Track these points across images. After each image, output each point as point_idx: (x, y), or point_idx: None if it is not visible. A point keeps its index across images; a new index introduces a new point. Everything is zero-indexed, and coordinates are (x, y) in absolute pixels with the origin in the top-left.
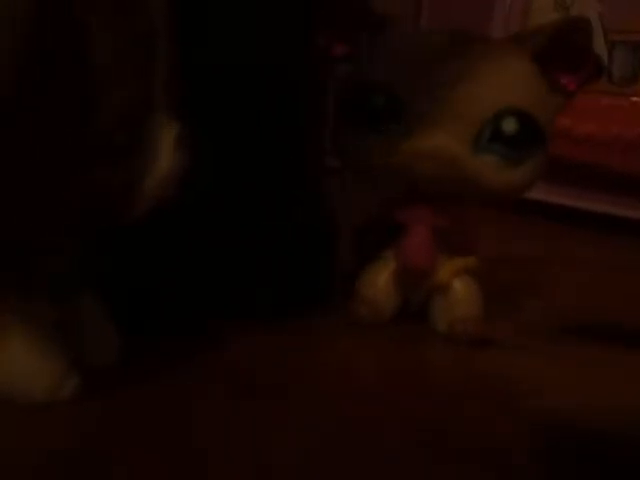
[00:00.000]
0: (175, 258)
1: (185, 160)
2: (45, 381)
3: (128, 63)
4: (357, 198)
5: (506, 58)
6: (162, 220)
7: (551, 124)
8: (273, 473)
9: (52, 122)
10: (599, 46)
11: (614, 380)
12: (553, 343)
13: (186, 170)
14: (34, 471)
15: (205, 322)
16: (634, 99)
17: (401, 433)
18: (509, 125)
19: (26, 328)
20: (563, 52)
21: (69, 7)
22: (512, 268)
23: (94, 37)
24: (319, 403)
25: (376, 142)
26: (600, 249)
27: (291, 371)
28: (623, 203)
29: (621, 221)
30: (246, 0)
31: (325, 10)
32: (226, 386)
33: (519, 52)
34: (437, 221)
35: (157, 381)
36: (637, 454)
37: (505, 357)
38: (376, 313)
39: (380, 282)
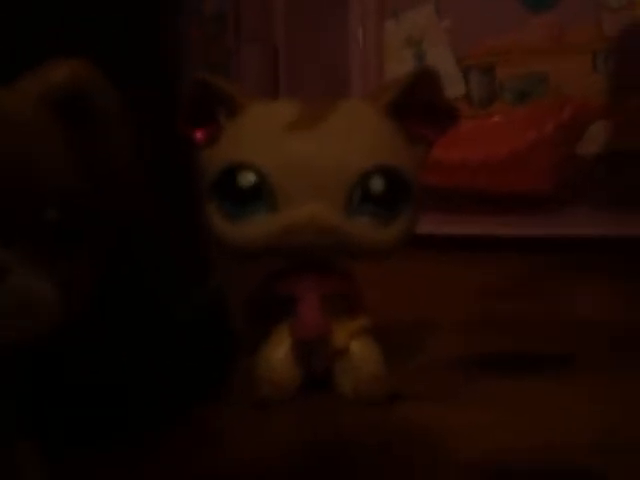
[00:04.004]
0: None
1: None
2: None
3: None
4: (243, 274)
5: (364, 117)
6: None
7: (417, 175)
8: None
9: None
10: (454, 74)
11: (535, 420)
12: (460, 387)
13: None
14: None
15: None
16: (496, 119)
17: None
18: (376, 184)
19: None
20: (416, 104)
21: None
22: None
23: None
24: None
25: (248, 221)
26: (486, 272)
27: (202, 467)
28: (495, 222)
29: (495, 240)
30: None
31: (180, 99)
32: None
33: (375, 110)
34: (323, 287)
35: None
36: None
37: (417, 408)
38: (279, 390)
39: (278, 357)
